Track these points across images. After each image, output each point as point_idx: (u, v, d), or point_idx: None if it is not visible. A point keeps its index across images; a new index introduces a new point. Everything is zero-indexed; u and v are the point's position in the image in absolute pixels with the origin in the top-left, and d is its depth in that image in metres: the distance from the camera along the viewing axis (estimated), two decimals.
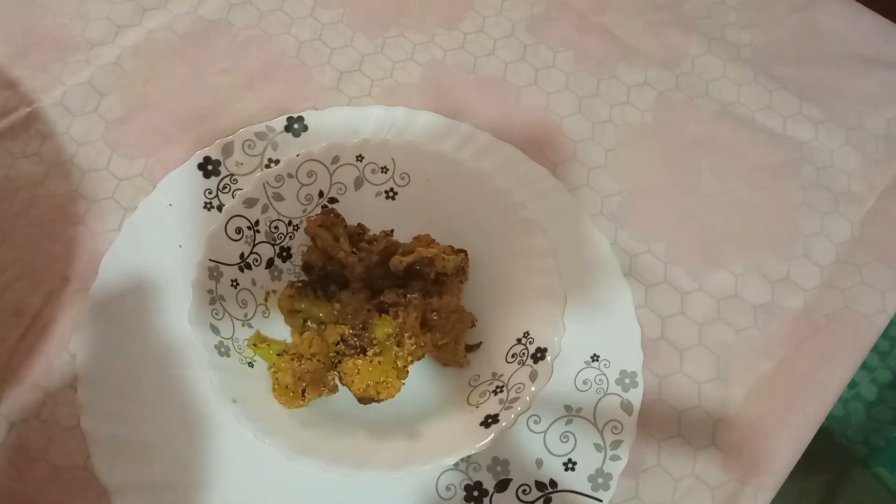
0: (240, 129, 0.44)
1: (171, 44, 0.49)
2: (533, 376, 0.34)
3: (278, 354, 0.37)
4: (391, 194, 0.41)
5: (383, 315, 0.36)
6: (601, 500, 0.37)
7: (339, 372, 0.36)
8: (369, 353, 0.35)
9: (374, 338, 0.35)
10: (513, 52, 0.51)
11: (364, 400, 0.35)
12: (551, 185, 0.44)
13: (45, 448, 0.37)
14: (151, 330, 0.39)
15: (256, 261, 0.39)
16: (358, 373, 0.35)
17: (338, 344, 0.36)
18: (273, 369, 0.36)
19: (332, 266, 0.38)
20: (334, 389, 0.36)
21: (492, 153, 0.45)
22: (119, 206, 0.43)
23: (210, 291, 0.36)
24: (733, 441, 0.39)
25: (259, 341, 0.37)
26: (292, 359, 0.36)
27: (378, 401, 0.35)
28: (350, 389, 0.35)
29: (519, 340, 0.36)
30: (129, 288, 0.40)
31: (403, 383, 0.35)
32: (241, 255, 0.38)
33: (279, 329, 0.38)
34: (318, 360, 0.36)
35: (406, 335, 0.35)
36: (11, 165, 0.44)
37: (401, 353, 0.35)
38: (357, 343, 0.35)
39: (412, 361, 0.36)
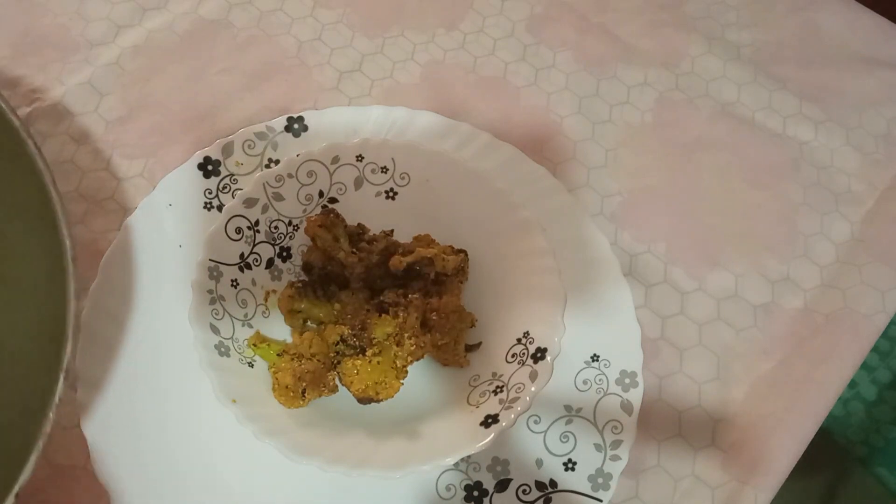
0: (240, 129, 0.44)
1: (171, 44, 0.49)
2: (533, 376, 0.34)
3: (278, 354, 0.37)
4: (391, 194, 0.41)
5: (383, 315, 0.36)
6: (601, 500, 0.37)
7: (338, 372, 0.36)
8: (368, 353, 0.35)
9: (374, 338, 0.35)
10: (513, 52, 0.51)
11: (363, 400, 0.35)
12: (551, 185, 0.44)
13: (45, 448, 0.37)
14: (151, 330, 0.39)
15: (256, 261, 0.39)
16: (357, 373, 0.35)
17: (337, 344, 0.36)
18: (273, 369, 0.36)
19: (332, 266, 0.38)
20: (334, 389, 0.36)
21: (492, 153, 0.45)
22: (119, 206, 0.43)
23: (210, 291, 0.36)
24: (733, 441, 0.39)
25: (259, 341, 0.37)
26: (292, 359, 0.36)
27: (377, 401, 0.35)
28: (349, 390, 0.35)
29: (519, 340, 0.36)
30: (129, 288, 0.40)
31: (402, 383, 0.35)
32: (241, 255, 0.38)
33: (279, 329, 0.38)
34: (318, 360, 0.36)
35: (406, 335, 0.35)
36: None
37: (400, 353, 0.35)
38: (356, 343, 0.35)
39: (411, 361, 0.36)
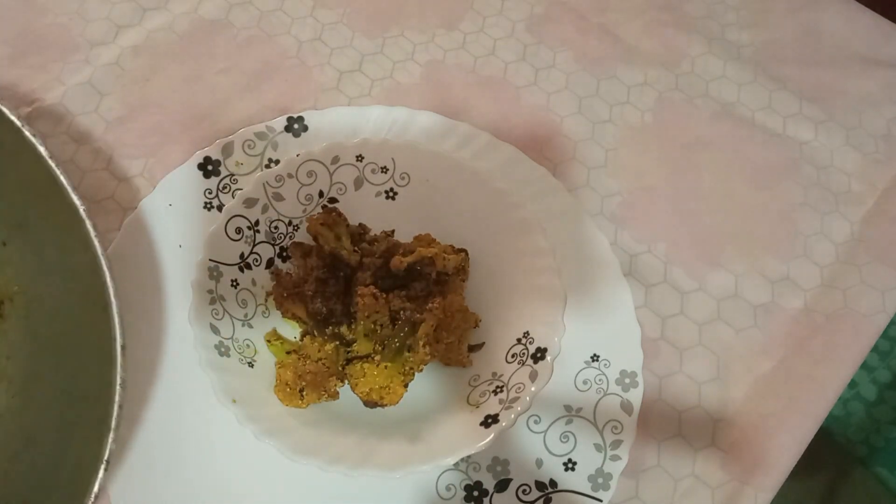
0: (240, 129, 0.44)
1: (171, 44, 0.49)
2: (533, 376, 0.34)
3: (287, 352, 0.37)
4: (391, 194, 0.41)
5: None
6: (601, 500, 0.37)
7: (346, 372, 0.36)
8: (376, 357, 0.35)
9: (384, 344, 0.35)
10: (513, 52, 0.51)
11: (369, 404, 0.35)
12: (551, 185, 0.44)
13: None
14: (152, 330, 0.39)
15: (256, 261, 0.39)
16: (364, 375, 0.35)
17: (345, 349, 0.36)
18: (279, 366, 0.36)
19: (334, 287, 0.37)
20: (335, 396, 0.36)
21: (492, 153, 0.45)
22: (119, 206, 0.43)
23: (210, 291, 0.36)
24: (733, 441, 0.39)
25: (274, 338, 0.37)
26: (298, 358, 0.36)
27: (382, 406, 0.35)
28: (354, 391, 0.35)
29: (519, 340, 0.36)
30: (130, 288, 0.40)
31: (406, 390, 0.35)
32: (241, 255, 0.38)
33: (281, 329, 0.38)
34: (323, 364, 0.36)
35: (421, 343, 0.35)
36: None
37: (412, 360, 0.35)
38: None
39: (421, 368, 0.36)
